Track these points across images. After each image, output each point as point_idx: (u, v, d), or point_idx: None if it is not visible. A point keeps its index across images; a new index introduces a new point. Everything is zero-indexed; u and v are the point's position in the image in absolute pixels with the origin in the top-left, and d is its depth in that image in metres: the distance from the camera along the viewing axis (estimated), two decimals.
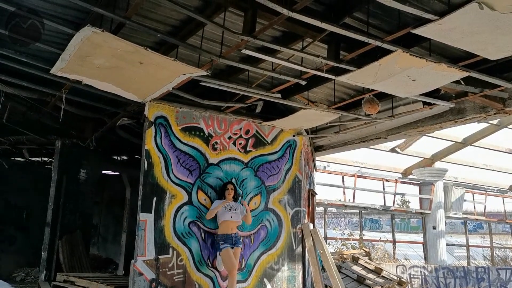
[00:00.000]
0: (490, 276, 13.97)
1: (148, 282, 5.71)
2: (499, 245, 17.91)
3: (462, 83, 5.03)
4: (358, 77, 4.86)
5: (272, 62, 5.23)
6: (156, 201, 5.95)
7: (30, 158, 10.70)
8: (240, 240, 6.21)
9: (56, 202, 7.92)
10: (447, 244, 14.79)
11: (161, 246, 5.88)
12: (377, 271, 9.63)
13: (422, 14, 3.52)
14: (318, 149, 9.13)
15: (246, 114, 6.99)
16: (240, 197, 6.55)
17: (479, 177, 17.39)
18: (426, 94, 5.55)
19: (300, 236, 7.13)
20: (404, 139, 12.67)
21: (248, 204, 6.54)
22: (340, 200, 14.57)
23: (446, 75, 4.64)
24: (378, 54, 4.41)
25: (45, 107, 6.89)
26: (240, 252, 6.16)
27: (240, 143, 6.81)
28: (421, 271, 12.74)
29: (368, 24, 4.20)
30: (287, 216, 7.03)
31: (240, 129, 6.86)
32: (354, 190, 13.84)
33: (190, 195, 6.20)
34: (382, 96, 5.91)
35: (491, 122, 11.27)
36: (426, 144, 13.83)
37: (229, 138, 6.73)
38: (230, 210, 6.13)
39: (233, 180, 6.58)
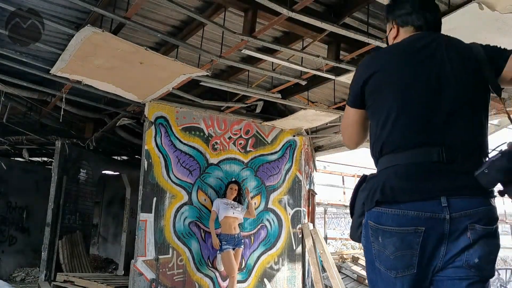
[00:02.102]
0: None
1: (148, 282, 5.72)
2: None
3: None
4: None
5: (272, 62, 5.23)
6: (156, 201, 5.96)
7: (30, 158, 10.70)
8: (242, 241, 6.20)
9: (56, 202, 7.92)
10: None
11: (161, 246, 5.88)
12: None
13: None
14: (318, 149, 9.13)
15: (246, 114, 6.99)
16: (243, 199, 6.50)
17: None
18: None
19: (300, 236, 7.12)
20: None
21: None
22: (340, 200, 14.58)
23: None
24: None
25: (45, 107, 6.89)
26: (241, 252, 6.17)
27: (240, 143, 6.81)
28: None
29: (368, 24, 4.20)
30: (287, 216, 7.02)
31: (240, 129, 6.86)
32: None
33: (190, 195, 6.21)
34: None
35: (491, 122, 11.26)
36: None
37: (229, 138, 6.73)
38: (232, 207, 6.12)
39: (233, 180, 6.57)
